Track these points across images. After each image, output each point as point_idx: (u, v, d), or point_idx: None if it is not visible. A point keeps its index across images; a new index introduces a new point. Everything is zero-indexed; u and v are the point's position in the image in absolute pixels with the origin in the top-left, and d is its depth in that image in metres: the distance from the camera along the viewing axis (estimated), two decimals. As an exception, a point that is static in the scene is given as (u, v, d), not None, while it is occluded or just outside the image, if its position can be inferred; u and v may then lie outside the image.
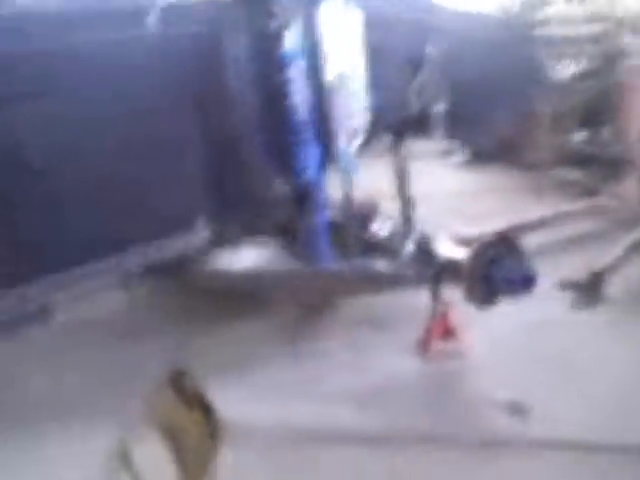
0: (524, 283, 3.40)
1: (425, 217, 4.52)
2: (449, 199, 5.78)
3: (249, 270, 3.14)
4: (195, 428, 1.87)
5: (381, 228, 3.92)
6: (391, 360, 3.69)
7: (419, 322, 3.76)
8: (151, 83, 2.59)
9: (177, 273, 3.03)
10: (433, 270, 3.61)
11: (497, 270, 3.39)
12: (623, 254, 4.33)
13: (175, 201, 2.53)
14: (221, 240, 2.89)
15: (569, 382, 3.41)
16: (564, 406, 3.23)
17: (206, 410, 1.88)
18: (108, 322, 3.98)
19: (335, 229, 3.47)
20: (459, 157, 6.64)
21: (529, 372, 3.50)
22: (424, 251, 3.65)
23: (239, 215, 2.94)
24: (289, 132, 3.09)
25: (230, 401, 3.11)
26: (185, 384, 1.96)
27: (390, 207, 4.07)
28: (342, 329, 3.97)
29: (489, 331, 3.80)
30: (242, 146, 2.86)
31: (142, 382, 2.48)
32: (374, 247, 3.81)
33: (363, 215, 3.92)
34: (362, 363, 3.66)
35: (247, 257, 3.23)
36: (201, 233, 2.61)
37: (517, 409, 3.24)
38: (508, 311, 3.64)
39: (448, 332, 3.73)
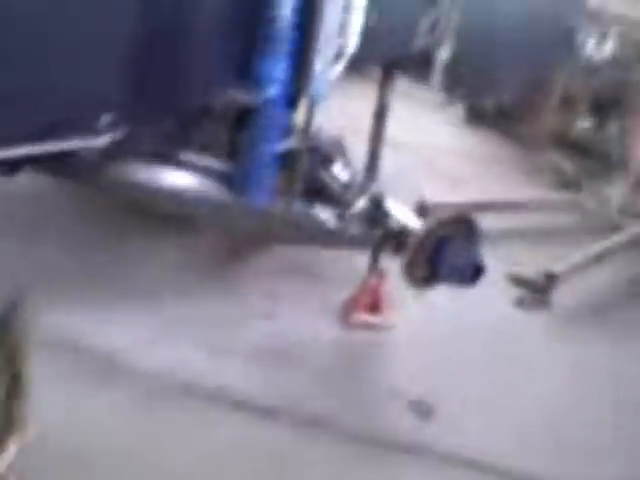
0: (470, 273, 3.01)
1: (394, 170, 4.12)
2: (428, 156, 5.31)
3: (164, 186, 2.56)
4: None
5: (340, 173, 3.42)
6: (307, 320, 3.27)
7: (349, 285, 3.36)
8: None
9: (72, 175, 2.41)
10: (379, 234, 3.16)
11: (444, 252, 2.98)
12: (584, 262, 4.02)
13: (68, 85, 1.88)
14: (134, 146, 2.26)
15: (489, 390, 3.06)
16: (474, 418, 2.89)
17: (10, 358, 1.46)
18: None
19: (287, 162, 2.96)
20: (452, 112, 6.07)
21: (448, 371, 3.14)
22: (376, 211, 3.18)
23: (162, 119, 2.31)
24: (258, 29, 2.51)
25: (115, 334, 2.85)
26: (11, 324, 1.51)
27: (358, 150, 3.60)
28: (265, 275, 3.52)
29: (418, 315, 3.43)
30: (187, 29, 2.21)
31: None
32: (324, 192, 3.31)
33: (324, 153, 3.40)
34: (274, 317, 3.24)
35: (165, 172, 2.63)
36: (105, 132, 1.99)
37: (422, 410, 2.89)
38: (444, 297, 3.31)
39: (375, 305, 3.34)
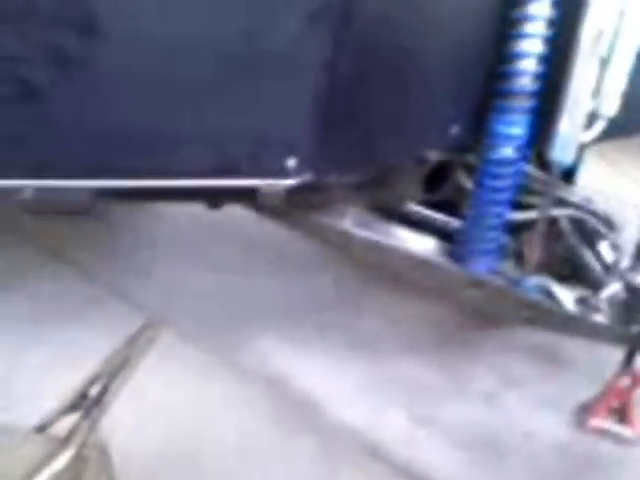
0: None
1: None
2: None
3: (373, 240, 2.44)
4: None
5: (605, 252, 2.99)
6: (533, 411, 2.88)
7: (595, 381, 2.89)
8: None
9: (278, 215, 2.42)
10: (635, 330, 2.67)
11: None
12: None
13: (254, 124, 1.90)
14: (320, 195, 2.18)
15: None
16: None
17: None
18: None
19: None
20: None
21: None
22: (632, 301, 2.70)
23: (359, 171, 2.18)
24: (497, 83, 2.32)
25: (320, 381, 2.81)
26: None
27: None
28: (496, 352, 3.19)
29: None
30: (404, 75, 2.07)
31: None
32: (581, 272, 2.92)
33: (589, 227, 3.01)
34: (496, 400, 2.92)
35: (385, 227, 2.51)
36: (292, 175, 1.97)
37: None
38: None
39: (622, 412, 2.82)
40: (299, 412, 2.71)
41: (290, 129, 1.93)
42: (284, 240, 3.26)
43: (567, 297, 2.70)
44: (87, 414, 1.40)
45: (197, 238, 3.72)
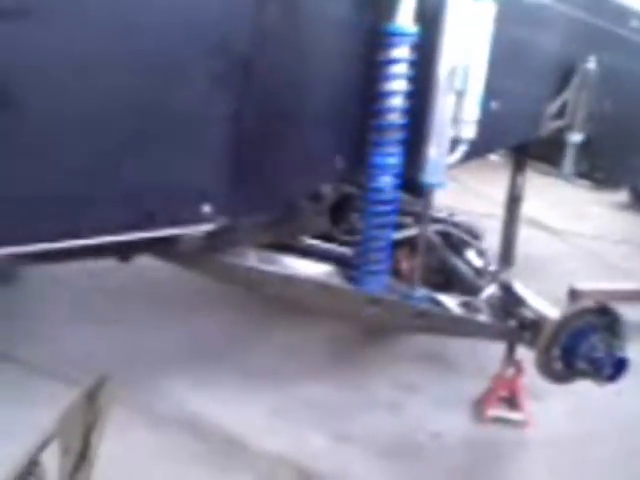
0: (610, 369, 2.76)
1: (540, 255, 3.96)
2: (579, 241, 5.02)
3: (279, 272, 2.63)
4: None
5: (473, 259, 3.36)
6: (436, 412, 3.15)
7: (483, 377, 3.21)
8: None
9: (186, 261, 2.56)
10: (513, 324, 3.01)
11: (581, 345, 2.77)
12: None
13: (166, 177, 2.05)
14: (232, 237, 2.36)
15: None
16: None
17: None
18: None
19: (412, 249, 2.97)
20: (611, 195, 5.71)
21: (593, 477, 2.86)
22: (508, 298, 3.05)
23: (266, 210, 2.39)
24: (371, 120, 2.59)
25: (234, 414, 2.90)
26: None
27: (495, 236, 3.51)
28: (393, 363, 3.48)
29: (561, 411, 3.21)
30: (293, 119, 2.30)
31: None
32: (454, 279, 3.26)
33: (456, 238, 3.37)
34: (401, 408, 3.16)
35: (281, 258, 2.72)
36: (206, 221, 2.12)
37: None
38: (594, 390, 2.91)
39: (512, 399, 3.15)
40: (225, 448, 2.80)
41: (202, 177, 2.08)
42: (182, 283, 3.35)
43: (451, 303, 3.00)
44: (76, 471, 1.43)
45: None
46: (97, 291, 3.75)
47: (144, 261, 2.50)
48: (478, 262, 3.34)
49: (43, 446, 1.76)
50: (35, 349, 3.20)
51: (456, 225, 3.44)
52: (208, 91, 1.98)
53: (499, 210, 3.61)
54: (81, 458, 1.47)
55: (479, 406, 3.18)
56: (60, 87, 1.85)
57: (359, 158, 2.61)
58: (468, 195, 5.48)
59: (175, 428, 2.86)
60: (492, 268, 3.28)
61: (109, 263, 2.42)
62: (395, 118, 2.58)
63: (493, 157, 4.72)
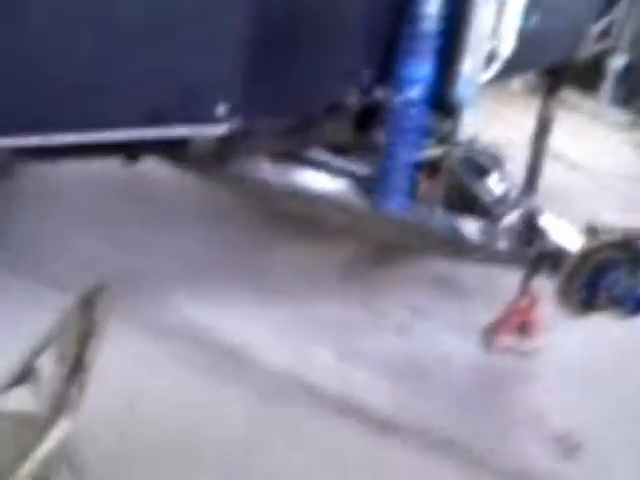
0: (632, 304, 2.69)
1: (560, 187, 3.82)
2: (601, 177, 4.86)
3: (296, 187, 2.50)
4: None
5: (495, 185, 3.22)
6: (444, 338, 3.09)
7: (497, 304, 3.14)
8: None
9: (195, 167, 2.42)
10: (532, 253, 2.92)
11: (603, 279, 2.68)
12: None
13: (182, 69, 1.90)
14: (259, 141, 2.21)
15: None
16: (627, 461, 2.61)
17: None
18: None
19: (432, 170, 2.83)
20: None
21: (603, 406, 2.85)
22: (528, 227, 2.95)
23: (286, 113, 2.24)
24: (401, 26, 2.41)
25: (244, 329, 2.81)
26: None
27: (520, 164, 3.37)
28: (405, 285, 3.38)
29: (574, 342, 3.13)
30: (323, 18, 2.12)
31: None
32: (475, 204, 3.13)
33: (478, 163, 3.23)
34: (410, 331, 3.10)
35: (297, 172, 2.57)
36: (222, 122, 1.97)
37: (566, 447, 2.64)
38: (608, 323, 2.89)
39: (524, 328, 3.09)
40: (228, 361, 2.76)
41: (219, 75, 1.94)
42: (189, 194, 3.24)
43: (471, 228, 2.90)
44: (72, 379, 1.37)
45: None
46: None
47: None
48: (500, 188, 3.22)
49: (39, 352, 1.71)
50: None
51: (479, 151, 3.30)
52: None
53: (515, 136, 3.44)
54: (77, 364, 1.40)
55: (490, 334, 3.11)
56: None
57: (388, 69, 2.46)
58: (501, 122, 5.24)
59: (176, 340, 2.81)
60: (514, 195, 3.16)
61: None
62: (429, 26, 2.42)
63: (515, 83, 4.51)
